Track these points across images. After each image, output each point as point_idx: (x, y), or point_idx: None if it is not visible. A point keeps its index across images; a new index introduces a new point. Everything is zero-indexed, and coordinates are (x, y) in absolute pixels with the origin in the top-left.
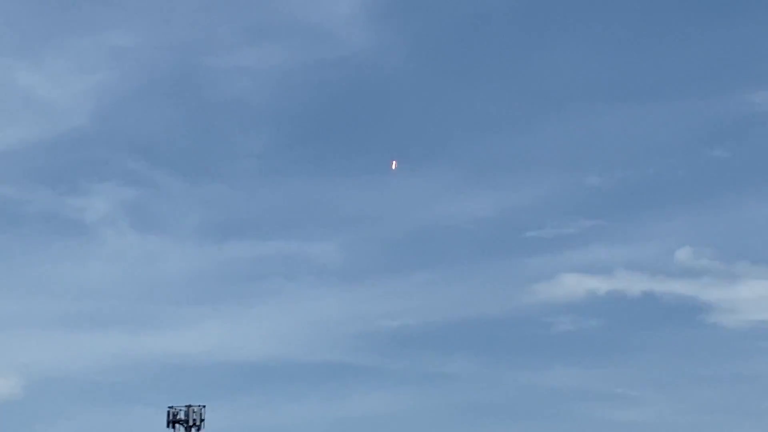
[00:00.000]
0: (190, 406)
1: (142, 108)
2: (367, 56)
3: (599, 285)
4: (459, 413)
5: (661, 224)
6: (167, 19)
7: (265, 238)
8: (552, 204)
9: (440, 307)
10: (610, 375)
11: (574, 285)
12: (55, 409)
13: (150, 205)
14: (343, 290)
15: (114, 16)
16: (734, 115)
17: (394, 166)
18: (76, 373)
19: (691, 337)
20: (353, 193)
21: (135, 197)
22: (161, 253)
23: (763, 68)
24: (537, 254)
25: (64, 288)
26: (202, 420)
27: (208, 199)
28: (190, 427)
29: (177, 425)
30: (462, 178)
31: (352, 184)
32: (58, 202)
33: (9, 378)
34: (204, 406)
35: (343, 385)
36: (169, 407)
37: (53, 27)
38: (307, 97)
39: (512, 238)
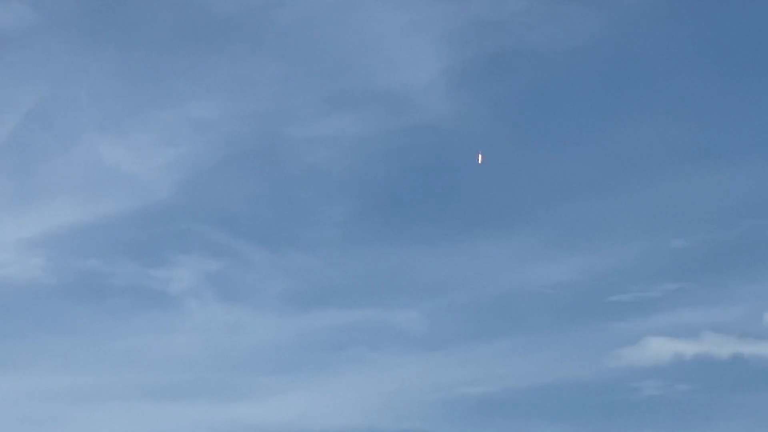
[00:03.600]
0: None
1: (224, 179)
2: (447, 123)
3: (686, 348)
4: None
5: (748, 286)
6: (247, 90)
7: (348, 306)
8: (636, 267)
9: (524, 374)
10: None
11: (660, 349)
12: None
13: (233, 276)
14: (426, 358)
15: (195, 88)
16: None
17: (480, 161)
18: None
19: None
20: (435, 260)
21: (218, 268)
22: (245, 323)
23: None
24: (622, 318)
25: (148, 359)
26: None
27: (290, 269)
28: None
29: None
30: (544, 242)
31: (433, 251)
32: (143, 274)
33: None
34: None
35: None
36: None
37: (136, 101)
38: (388, 165)
39: (596, 302)
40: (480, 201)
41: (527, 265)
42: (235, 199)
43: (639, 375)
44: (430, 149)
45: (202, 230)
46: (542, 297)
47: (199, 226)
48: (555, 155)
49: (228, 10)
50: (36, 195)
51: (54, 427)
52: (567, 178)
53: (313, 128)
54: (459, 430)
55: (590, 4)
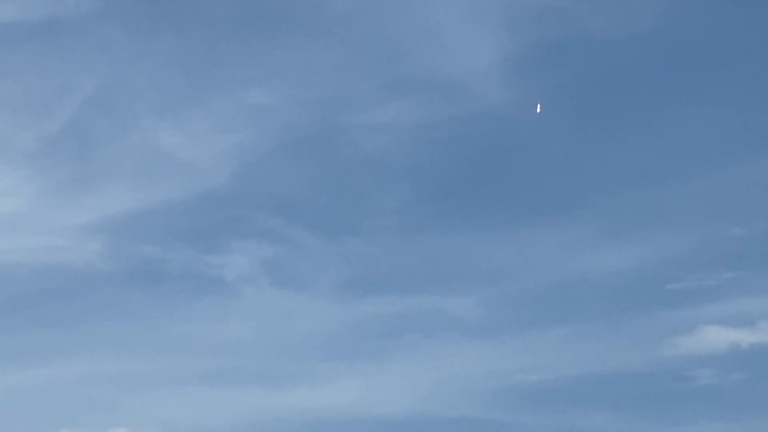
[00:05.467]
0: None
1: (280, 166)
2: (505, 110)
3: (742, 337)
4: None
5: None
6: (305, 77)
7: (403, 294)
8: (693, 256)
9: (579, 362)
10: (755, 429)
11: (716, 338)
12: None
13: (289, 262)
14: (482, 345)
15: (253, 75)
16: None
17: (539, 110)
18: (216, 429)
19: None
20: (491, 247)
21: (274, 254)
22: (300, 310)
23: None
24: (678, 307)
25: (204, 345)
26: None
27: (346, 256)
28: None
29: None
30: (601, 231)
31: (490, 239)
32: (199, 260)
33: None
34: None
35: None
36: None
37: (194, 87)
38: (445, 152)
39: (652, 290)
40: (537, 189)
41: (583, 253)
42: (291, 185)
43: (694, 364)
44: (487, 136)
45: (258, 217)
46: (598, 285)
47: (256, 213)
48: (613, 143)
49: None
50: (94, 181)
51: (110, 412)
52: (624, 165)
53: (370, 115)
54: (513, 418)
55: None
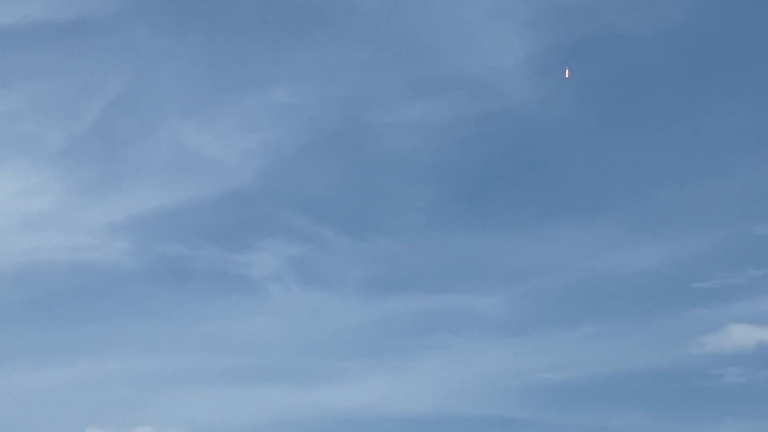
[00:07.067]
0: None
1: (306, 164)
2: (531, 108)
3: None
4: None
5: None
6: (331, 76)
7: (430, 292)
8: (720, 254)
9: (605, 360)
10: None
11: (743, 336)
12: None
13: (315, 261)
14: (508, 344)
15: (279, 74)
16: None
17: (567, 75)
18: (241, 427)
19: None
20: (517, 246)
21: (300, 253)
22: (326, 308)
23: None
24: (705, 305)
25: (230, 343)
26: None
27: (372, 254)
28: None
29: None
30: (627, 229)
31: (516, 237)
32: (226, 259)
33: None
34: None
35: None
36: None
37: (220, 86)
38: (471, 151)
39: (679, 289)
40: (563, 187)
41: (610, 251)
42: (317, 184)
43: (721, 362)
44: (513, 135)
45: (284, 215)
46: (625, 283)
47: (282, 212)
48: (639, 141)
49: None
50: (121, 180)
51: (136, 410)
52: (651, 164)
53: (396, 114)
54: (539, 416)
55: None
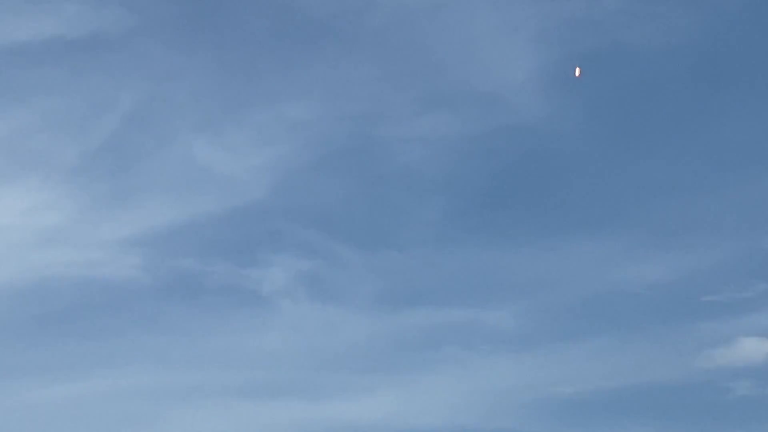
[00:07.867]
0: None
1: (318, 179)
2: (542, 122)
3: None
4: None
5: None
6: (342, 91)
7: (441, 306)
8: (729, 267)
9: (615, 374)
10: None
11: (753, 349)
12: None
13: (326, 276)
14: (518, 358)
15: (290, 89)
16: None
17: (578, 73)
18: None
19: None
20: (528, 260)
21: (311, 268)
22: (337, 323)
23: None
24: (714, 319)
25: (241, 358)
26: None
27: (383, 269)
28: None
29: None
30: (636, 242)
31: (527, 252)
32: (237, 274)
33: None
34: None
35: None
36: None
37: (232, 101)
38: (482, 165)
39: (688, 302)
40: (573, 201)
41: (619, 265)
42: (329, 199)
43: (731, 376)
44: (524, 149)
45: (295, 230)
46: (634, 297)
47: (293, 226)
48: (648, 155)
49: (323, 11)
50: (132, 195)
51: (149, 426)
52: (660, 177)
53: (407, 128)
54: (549, 430)
55: (688, 1)
